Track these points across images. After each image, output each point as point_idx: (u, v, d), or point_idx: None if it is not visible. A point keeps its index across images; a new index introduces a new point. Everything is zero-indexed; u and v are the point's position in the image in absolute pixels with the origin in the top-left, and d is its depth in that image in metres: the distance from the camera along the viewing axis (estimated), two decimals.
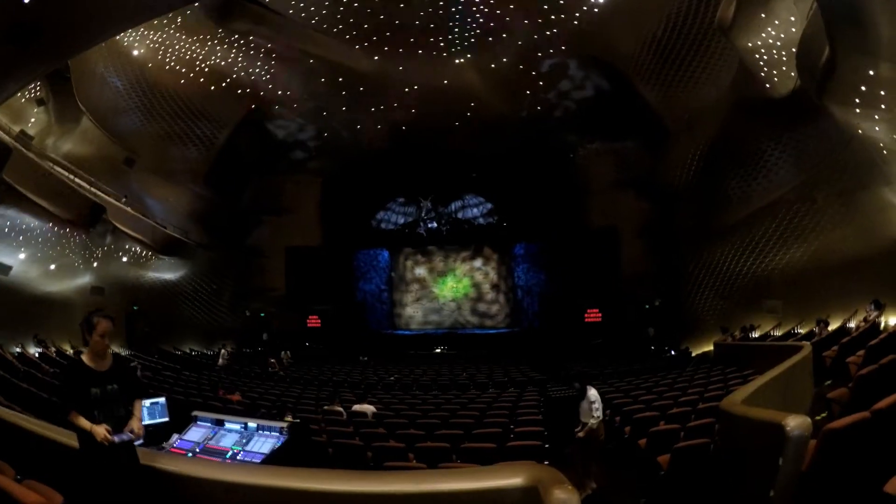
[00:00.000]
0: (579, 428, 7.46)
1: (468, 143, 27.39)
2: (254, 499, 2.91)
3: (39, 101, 20.22)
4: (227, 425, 6.52)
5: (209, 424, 6.65)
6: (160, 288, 25.28)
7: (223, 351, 21.99)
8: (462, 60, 23.07)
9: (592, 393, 7.52)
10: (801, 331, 17.85)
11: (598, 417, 7.39)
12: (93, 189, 19.70)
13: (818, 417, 7.18)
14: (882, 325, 13.68)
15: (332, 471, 2.81)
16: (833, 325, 15.93)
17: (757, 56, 17.27)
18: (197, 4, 19.47)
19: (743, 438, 4.14)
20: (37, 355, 16.91)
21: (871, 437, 3.87)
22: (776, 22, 16.09)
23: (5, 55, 10.71)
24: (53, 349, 18.40)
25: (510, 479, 2.26)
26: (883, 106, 12.34)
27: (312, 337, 29.66)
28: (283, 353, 23.77)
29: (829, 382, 10.18)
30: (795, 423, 3.18)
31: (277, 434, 6.13)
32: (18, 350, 16.75)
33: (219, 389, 12.99)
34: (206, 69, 22.95)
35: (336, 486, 2.63)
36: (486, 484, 2.32)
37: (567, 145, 28.56)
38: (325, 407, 10.44)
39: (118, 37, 19.00)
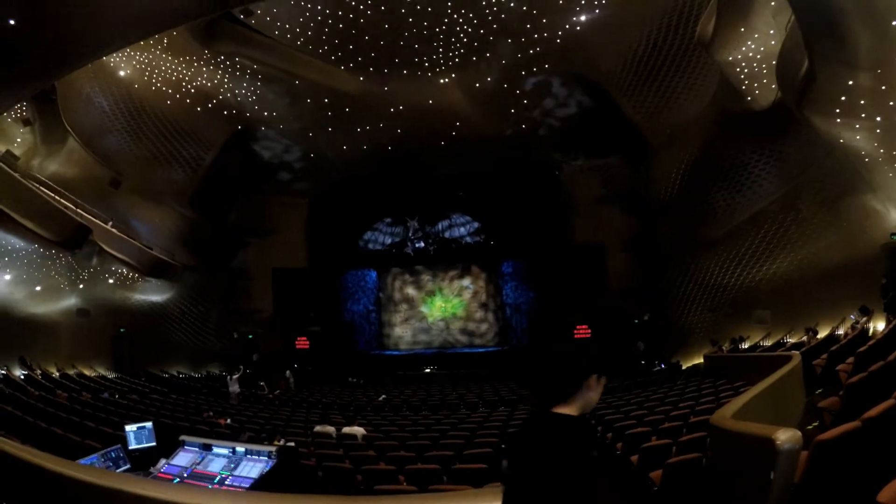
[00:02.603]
0: None
1: (454, 162, 27.48)
2: None
3: (25, 122, 20.18)
4: (216, 450, 6.40)
5: (197, 449, 6.53)
6: (147, 310, 25.05)
7: (233, 377, 18.69)
8: (446, 80, 23.19)
9: None
10: (791, 340, 17.96)
11: None
12: (79, 210, 19.58)
13: (810, 427, 7.18)
14: (870, 331, 13.80)
15: (321, 496, 2.75)
16: (822, 333, 16.05)
17: (737, 69, 17.50)
18: (183, 26, 19.54)
19: (734, 453, 4.12)
20: (22, 378, 16.68)
21: (862, 446, 3.86)
22: (755, 35, 16.33)
23: None
24: (39, 372, 18.20)
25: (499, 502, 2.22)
26: (863, 115, 12.54)
27: (301, 359, 29.39)
28: (287, 372, 23.38)
29: (819, 391, 10.21)
30: (786, 436, 3.16)
31: (266, 458, 6.03)
32: (3, 372, 16.55)
33: (204, 412, 12.84)
34: (192, 90, 22.95)
35: None
36: None
37: (552, 162, 28.69)
38: (317, 429, 10.34)
39: (104, 57, 18.99)
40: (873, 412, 4.23)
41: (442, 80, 23.18)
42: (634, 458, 6.97)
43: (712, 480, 4.48)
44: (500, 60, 22.20)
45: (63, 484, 3.54)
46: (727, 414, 4.54)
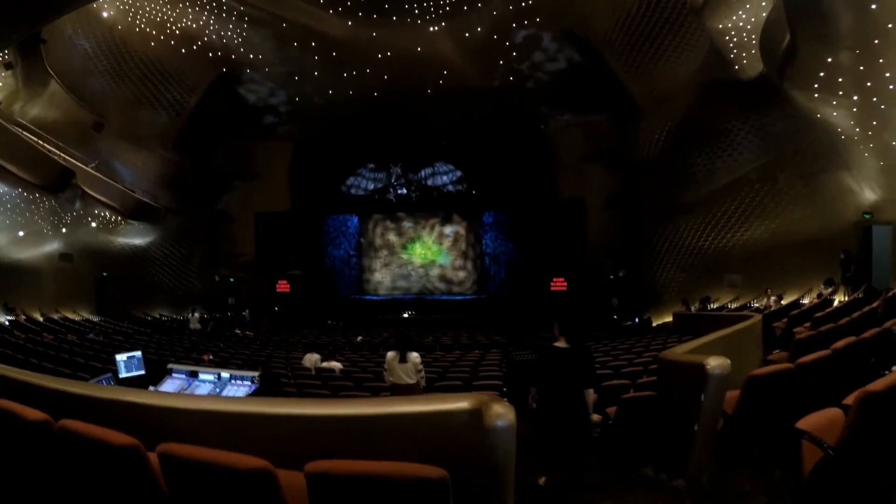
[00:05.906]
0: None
1: (440, 111, 27.35)
2: (225, 424, 3.12)
3: (7, 65, 19.72)
4: (202, 376, 6.78)
5: (184, 376, 6.90)
6: (130, 253, 25.09)
7: (194, 315, 20.76)
8: (436, 28, 22.99)
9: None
10: (757, 304, 18.60)
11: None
12: (62, 154, 19.43)
13: None
14: (834, 302, 14.40)
15: (297, 399, 3.05)
16: (787, 300, 16.69)
17: (727, 38, 17.66)
18: None
19: (675, 382, 4.55)
20: (7, 323, 16.86)
21: (790, 384, 4.29)
22: (747, 5, 16.46)
23: None
24: (23, 317, 18.32)
25: (458, 403, 2.53)
26: (840, 92, 12.84)
27: (282, 302, 29.74)
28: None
29: (777, 351, 10.74)
30: (716, 363, 3.58)
31: (249, 383, 6.42)
32: None
33: (205, 356, 13.18)
34: (177, 31, 22.55)
35: (302, 410, 2.86)
36: (437, 407, 2.58)
37: (538, 116, 28.68)
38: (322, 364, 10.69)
39: None
40: (807, 358, 4.68)
41: (431, 28, 22.98)
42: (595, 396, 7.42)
43: (658, 411, 4.92)
44: (491, 11, 22.03)
45: (67, 398, 3.81)
46: (677, 352, 4.96)
